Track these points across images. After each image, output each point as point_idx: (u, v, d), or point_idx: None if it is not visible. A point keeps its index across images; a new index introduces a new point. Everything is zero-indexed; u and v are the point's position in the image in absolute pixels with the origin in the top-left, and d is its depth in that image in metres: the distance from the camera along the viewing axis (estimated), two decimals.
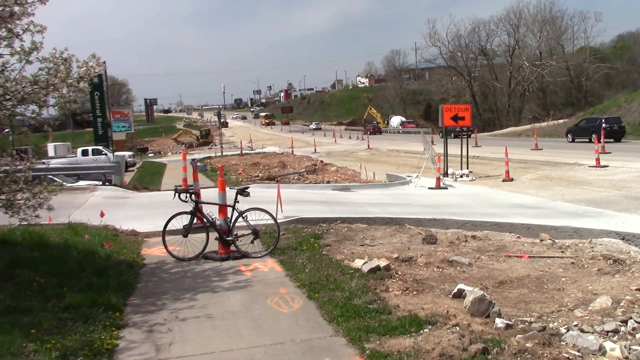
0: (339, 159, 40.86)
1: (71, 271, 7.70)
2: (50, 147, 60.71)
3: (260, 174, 26.80)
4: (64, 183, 23.56)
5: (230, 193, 9.46)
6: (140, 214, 14.51)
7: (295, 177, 25.40)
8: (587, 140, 40.18)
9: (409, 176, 24.89)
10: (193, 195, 9.28)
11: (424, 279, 7.25)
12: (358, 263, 7.59)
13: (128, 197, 18.31)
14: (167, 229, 9.38)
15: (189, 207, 9.32)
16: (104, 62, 45.71)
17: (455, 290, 6.38)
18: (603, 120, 41.20)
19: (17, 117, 8.73)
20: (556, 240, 9.99)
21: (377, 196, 19.01)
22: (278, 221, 9.58)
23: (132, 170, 42.59)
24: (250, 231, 9.27)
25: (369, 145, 52.17)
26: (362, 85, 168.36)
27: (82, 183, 23.04)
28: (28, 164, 8.57)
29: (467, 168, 26.75)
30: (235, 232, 9.25)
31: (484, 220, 13.03)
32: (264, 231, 10.52)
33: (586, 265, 7.78)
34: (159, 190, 23.07)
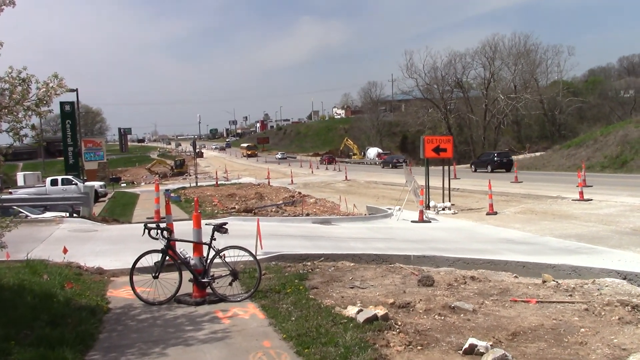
0: (316, 191, 40.09)
1: (22, 320, 6.71)
2: (20, 176, 59.18)
3: (236, 206, 25.84)
4: (29, 215, 22.40)
5: (207, 228, 8.57)
6: (109, 249, 13.51)
7: (273, 210, 24.51)
8: (485, 170, 51.71)
9: (389, 208, 24.20)
10: (164, 232, 8.36)
11: (427, 329, 6.40)
12: (351, 310, 6.72)
13: (96, 230, 17.25)
14: (136, 267, 8.45)
15: (160, 244, 8.40)
16: (70, 86, 44.68)
17: (467, 346, 5.55)
18: (495, 155, 54.48)
19: None
20: (559, 281, 9.24)
21: (359, 230, 18.23)
22: (258, 258, 8.72)
23: (104, 201, 41.22)
24: (228, 272, 8.37)
25: (346, 177, 51.54)
26: (339, 116, 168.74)
27: (48, 215, 21.88)
28: None
29: (450, 201, 26.14)
30: (211, 273, 8.33)
31: (477, 258, 12.29)
32: (243, 270, 9.62)
33: (603, 313, 7.01)
34: (130, 222, 22.00)
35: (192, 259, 8.42)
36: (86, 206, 20.29)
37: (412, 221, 20.69)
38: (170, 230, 8.50)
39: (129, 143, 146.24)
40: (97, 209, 33.62)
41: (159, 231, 8.29)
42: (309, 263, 10.56)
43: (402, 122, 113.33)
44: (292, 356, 5.73)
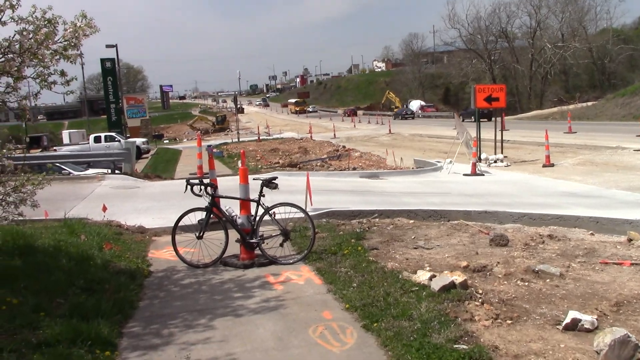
0: (360, 144, 39.03)
1: (56, 286, 6.06)
2: (65, 134, 59.65)
3: (280, 161, 25.09)
4: (72, 172, 22.08)
5: (254, 184, 7.77)
6: (151, 207, 12.91)
7: (318, 164, 23.67)
8: (470, 120, 51.50)
9: (438, 161, 23.10)
10: (208, 188, 7.59)
11: (511, 298, 5.51)
12: (422, 276, 5.85)
13: (138, 187, 16.73)
14: (178, 226, 7.75)
15: (205, 201, 7.64)
16: (110, 42, 44.20)
17: (568, 321, 4.65)
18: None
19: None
20: None
21: (409, 184, 17.28)
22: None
23: (146, 158, 41.08)
24: (279, 231, 7.58)
25: (390, 130, 50.26)
26: (379, 69, 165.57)
27: (90, 172, 21.50)
28: (5, 150, 6.89)
29: (502, 153, 24.89)
30: (260, 233, 7.56)
31: (544, 213, 11.25)
32: (294, 229, 8.85)
33: None
34: (173, 178, 21.46)
35: (238, 218, 7.65)
36: (128, 162, 19.77)
37: (464, 174, 19.62)
38: (214, 186, 7.72)
39: (170, 100, 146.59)
40: (140, 165, 33.38)
41: (203, 187, 7.52)
42: (363, 220, 9.71)
43: (445, 74, 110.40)
44: (359, 331, 4.92)
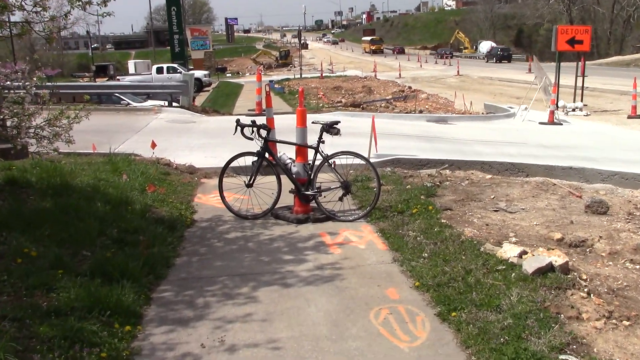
0: (426, 86, 37.27)
1: (84, 236, 5.32)
2: (131, 64, 59.71)
3: (343, 100, 23.94)
4: (131, 102, 21.62)
5: (313, 128, 6.80)
6: (205, 144, 12.19)
7: (382, 105, 22.44)
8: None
9: (511, 107, 21.52)
10: (261, 130, 6.66)
11: (623, 287, 4.43)
12: (509, 251, 4.80)
13: (194, 122, 16.02)
14: (227, 170, 6.93)
15: (257, 145, 6.73)
16: None
17: None
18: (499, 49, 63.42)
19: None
20: None
21: (481, 131, 15.98)
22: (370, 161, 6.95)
23: (207, 91, 40.57)
24: (339, 183, 6.63)
25: (458, 72, 48.07)
26: (449, 8, 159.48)
27: (147, 103, 20.95)
28: (34, 78, 6.10)
29: (581, 100, 23.07)
30: (317, 184, 6.63)
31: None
32: (355, 179, 7.89)
33: None
34: (231, 114, 20.69)
35: (294, 166, 6.72)
36: (185, 95, 19.04)
37: (540, 123, 18.11)
38: (268, 128, 6.77)
39: (235, 34, 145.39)
40: (200, 99, 32.88)
41: (255, 130, 6.59)
42: (434, 173, 8.65)
43: (518, 14, 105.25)
44: (432, 321, 3.97)
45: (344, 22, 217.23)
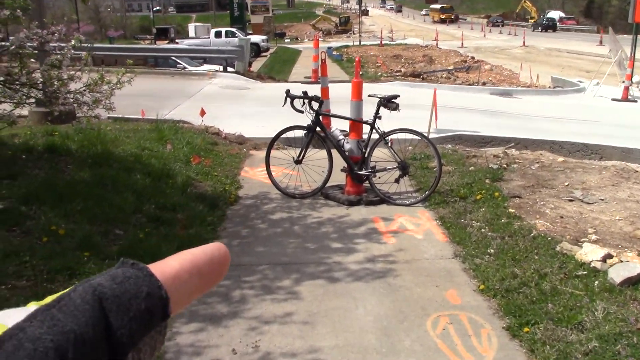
0: (489, 56, 35.79)
1: (118, 212, 4.95)
2: (191, 27, 59.79)
3: (402, 69, 23.06)
4: (187, 67, 21.37)
5: (370, 101, 6.23)
6: (257, 112, 11.74)
7: (444, 75, 21.50)
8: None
9: (580, 81, 20.28)
10: (313, 103, 6.11)
11: None
12: (590, 254, 4.13)
13: (248, 89, 15.59)
14: (279, 138, 6.46)
15: (308, 118, 6.20)
16: None
17: None
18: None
19: None
20: None
21: (548, 106, 15.02)
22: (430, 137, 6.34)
23: (265, 56, 40.09)
24: (395, 163, 6.05)
25: (524, 42, 46.10)
26: None
27: (202, 68, 20.64)
28: (73, 41, 5.70)
29: None
30: (372, 164, 6.07)
31: None
32: (412, 156, 7.29)
33: None
34: (287, 81, 20.18)
35: (347, 142, 6.17)
36: (241, 61, 18.60)
37: (613, 99, 16.96)
38: (321, 100, 6.19)
39: None
40: (257, 64, 32.44)
41: (306, 101, 6.05)
42: (500, 154, 7.94)
43: None
44: (500, 336, 3.40)
45: None
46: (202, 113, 9.51)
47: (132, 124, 9.03)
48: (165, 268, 0.52)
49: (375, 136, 6.00)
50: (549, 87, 20.95)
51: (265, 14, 66.71)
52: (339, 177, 6.27)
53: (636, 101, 16.79)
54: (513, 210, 5.39)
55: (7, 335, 0.41)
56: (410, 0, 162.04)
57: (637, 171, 7.00)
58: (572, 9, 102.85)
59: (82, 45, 6.00)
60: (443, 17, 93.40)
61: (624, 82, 17.53)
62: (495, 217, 5.21)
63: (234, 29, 44.88)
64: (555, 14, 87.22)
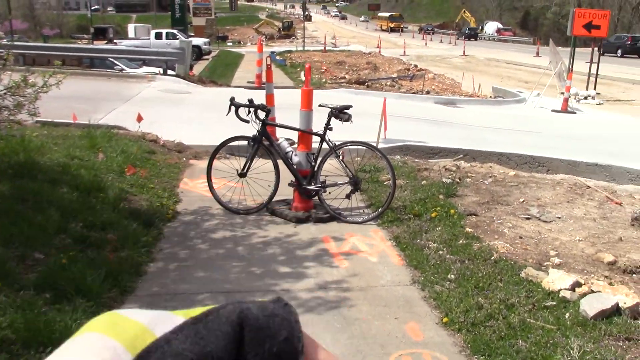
0: (431, 65, 36.09)
1: (40, 232, 4.40)
2: (131, 28, 58.29)
3: (347, 76, 22.81)
4: (125, 68, 20.54)
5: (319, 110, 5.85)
6: (198, 118, 11.24)
7: (388, 83, 21.38)
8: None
9: (520, 92, 20.55)
10: (259, 112, 5.68)
11: None
12: (558, 281, 3.83)
13: (189, 93, 15.03)
14: (218, 154, 6.00)
15: (253, 127, 5.76)
16: None
17: None
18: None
19: None
20: None
21: (492, 117, 15.04)
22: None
23: (207, 59, 39.28)
24: (347, 178, 5.68)
25: (464, 52, 46.83)
26: None
27: (141, 70, 19.88)
28: None
29: (595, 89, 22.15)
30: (322, 179, 5.68)
31: None
32: (361, 168, 6.95)
33: None
34: (229, 85, 19.63)
35: (295, 155, 5.76)
36: (182, 63, 17.96)
37: (553, 110, 17.22)
38: (267, 109, 5.77)
39: (238, 2, 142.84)
40: (199, 67, 31.67)
41: (252, 111, 5.61)
42: (450, 166, 7.69)
43: None
44: None
45: None
46: (139, 118, 8.93)
47: (62, 130, 8.39)
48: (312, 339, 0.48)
49: (325, 148, 5.62)
50: (490, 96, 21.13)
51: (207, 17, 65.77)
52: (286, 191, 5.87)
53: (575, 112, 17.04)
54: (470, 230, 5.10)
55: (154, 347, 0.41)
56: (352, 7, 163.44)
57: (590, 187, 6.86)
58: (509, 20, 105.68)
59: (3, 42, 5.41)
60: (392, 26, 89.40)
61: (563, 93, 17.81)
62: (453, 237, 4.90)
63: (175, 31, 43.92)
64: (493, 25, 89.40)
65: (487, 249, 4.60)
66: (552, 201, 6.16)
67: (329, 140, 5.53)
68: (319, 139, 5.59)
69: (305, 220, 5.52)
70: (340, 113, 5.48)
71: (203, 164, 7.67)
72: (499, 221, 5.43)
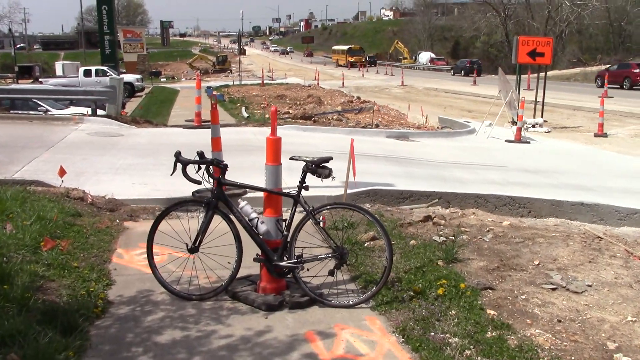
0: (371, 96, 35.54)
1: None
2: (59, 66, 56.03)
3: (290, 110, 21.72)
4: (50, 110, 18.86)
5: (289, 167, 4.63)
6: (133, 164, 9.88)
7: (335, 117, 20.38)
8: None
9: (468, 122, 19.98)
10: (212, 169, 4.41)
11: None
12: None
13: (122, 135, 13.56)
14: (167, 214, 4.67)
15: (205, 185, 4.48)
16: None
17: None
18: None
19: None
20: None
21: (449, 150, 14.23)
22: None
23: (140, 96, 37.61)
24: (330, 250, 4.45)
25: (402, 82, 46.80)
26: (387, 18, 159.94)
27: (68, 111, 18.26)
28: None
29: (542, 116, 21.94)
30: (298, 252, 4.44)
31: None
32: (332, 224, 5.76)
33: None
34: (166, 125, 18.20)
35: (261, 222, 4.48)
36: (112, 103, 16.43)
37: (507, 140, 16.69)
38: (223, 165, 4.49)
39: (170, 37, 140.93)
40: (132, 105, 30.10)
41: (204, 168, 4.34)
42: (440, 220, 6.58)
43: (455, 26, 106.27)
44: None
45: (282, 29, 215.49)
46: (62, 172, 7.51)
47: None
48: None
49: (301, 212, 4.39)
50: (438, 127, 20.48)
51: (139, 52, 63.94)
52: (250, 261, 4.60)
53: (529, 142, 16.52)
54: (493, 312, 3.96)
55: None
56: (286, 40, 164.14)
57: (602, 238, 5.87)
58: (440, 50, 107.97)
59: None
60: (352, 61, 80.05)
61: (515, 123, 17.31)
62: (477, 327, 3.74)
63: (105, 68, 42.09)
64: (426, 55, 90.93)
65: (528, 345, 3.46)
66: (572, 262, 5.10)
67: (306, 203, 4.30)
68: (291, 200, 4.35)
69: (277, 306, 4.24)
70: (318, 168, 4.27)
71: (141, 226, 6.36)
72: (523, 296, 4.31)
